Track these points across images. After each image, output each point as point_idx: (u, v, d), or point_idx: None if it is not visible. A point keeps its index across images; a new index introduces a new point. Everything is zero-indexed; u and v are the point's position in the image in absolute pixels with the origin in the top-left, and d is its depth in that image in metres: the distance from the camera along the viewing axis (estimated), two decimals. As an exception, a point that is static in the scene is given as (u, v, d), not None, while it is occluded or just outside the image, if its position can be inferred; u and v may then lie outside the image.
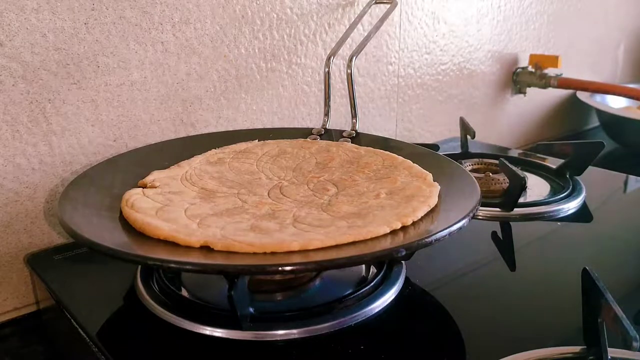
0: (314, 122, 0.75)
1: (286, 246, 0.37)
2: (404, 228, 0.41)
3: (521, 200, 0.59)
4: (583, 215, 0.61)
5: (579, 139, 1.09)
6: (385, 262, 0.47)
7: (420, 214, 0.42)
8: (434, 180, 0.48)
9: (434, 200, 0.45)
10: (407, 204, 0.43)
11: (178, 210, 0.44)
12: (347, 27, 0.71)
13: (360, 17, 0.71)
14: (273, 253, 0.37)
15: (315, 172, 0.53)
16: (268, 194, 0.48)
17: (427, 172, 0.50)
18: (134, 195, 0.46)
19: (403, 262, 0.47)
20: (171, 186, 0.48)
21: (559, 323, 0.41)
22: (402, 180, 0.49)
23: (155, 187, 0.48)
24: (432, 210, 0.44)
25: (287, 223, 0.42)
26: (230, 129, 0.67)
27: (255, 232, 0.40)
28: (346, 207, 0.45)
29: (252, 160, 0.55)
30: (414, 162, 0.52)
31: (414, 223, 0.41)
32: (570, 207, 0.61)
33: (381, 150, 0.56)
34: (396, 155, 0.54)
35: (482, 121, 1.00)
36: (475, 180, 0.47)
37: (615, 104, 1.10)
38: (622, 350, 0.35)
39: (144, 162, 0.53)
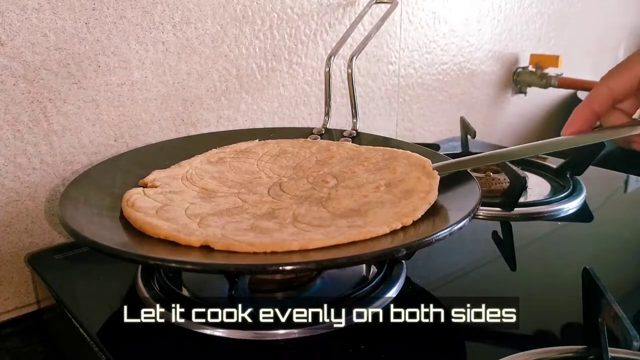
0: (315, 121, 0.75)
1: (286, 246, 0.37)
2: (404, 227, 0.41)
3: (522, 200, 0.59)
4: (583, 215, 0.61)
5: (579, 138, 1.09)
6: (386, 262, 0.47)
7: (421, 213, 0.42)
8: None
9: (433, 196, 0.44)
10: (407, 201, 0.43)
11: (178, 210, 0.44)
12: (348, 26, 0.71)
13: (360, 16, 0.71)
14: (273, 253, 0.37)
15: (315, 169, 0.53)
16: (268, 191, 0.48)
17: (426, 159, 0.49)
18: (135, 195, 0.46)
19: (403, 261, 0.47)
20: (172, 186, 0.48)
21: (559, 323, 0.41)
22: (401, 170, 0.48)
23: (156, 187, 0.48)
24: (432, 209, 0.44)
25: (287, 222, 0.42)
26: (231, 128, 0.67)
27: (255, 231, 0.40)
28: (346, 201, 0.45)
29: (252, 159, 0.55)
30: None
31: (414, 222, 0.41)
32: (571, 207, 0.61)
33: (382, 147, 0.56)
34: (396, 149, 0.54)
35: (482, 121, 1.00)
36: (476, 180, 0.47)
37: (616, 103, 1.10)
38: (622, 350, 0.35)
39: (145, 161, 0.53)
